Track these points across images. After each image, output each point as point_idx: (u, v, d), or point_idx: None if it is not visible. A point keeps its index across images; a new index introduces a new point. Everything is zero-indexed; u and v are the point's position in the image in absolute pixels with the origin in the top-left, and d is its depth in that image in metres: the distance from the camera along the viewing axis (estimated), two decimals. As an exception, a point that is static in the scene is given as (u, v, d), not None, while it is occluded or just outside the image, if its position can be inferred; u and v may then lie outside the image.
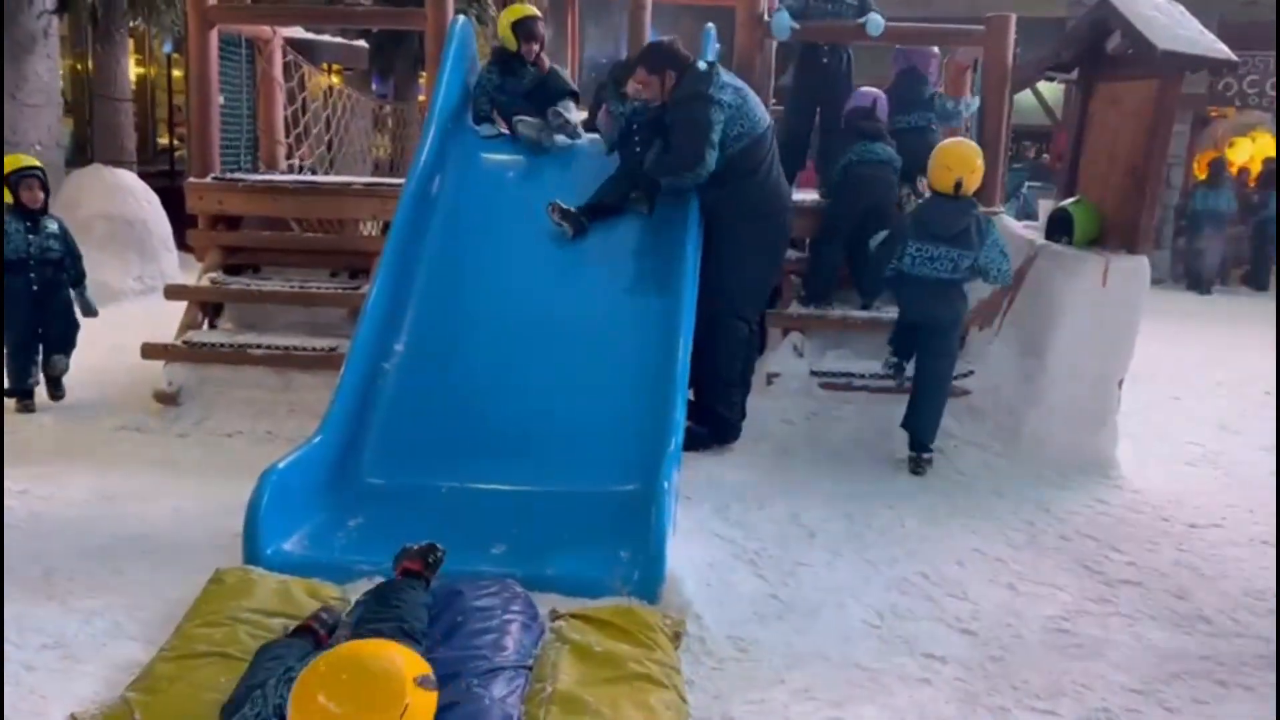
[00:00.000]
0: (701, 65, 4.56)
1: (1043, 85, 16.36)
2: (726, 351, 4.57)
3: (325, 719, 1.87)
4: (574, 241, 4.63)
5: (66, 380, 5.26)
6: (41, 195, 5.09)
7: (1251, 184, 13.75)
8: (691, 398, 4.36)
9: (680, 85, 4.52)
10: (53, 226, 5.15)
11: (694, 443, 4.29)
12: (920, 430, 4.64)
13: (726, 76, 4.60)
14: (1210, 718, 2.76)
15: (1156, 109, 4.65)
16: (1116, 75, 5.13)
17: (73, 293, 5.23)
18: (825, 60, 5.98)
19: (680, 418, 3.81)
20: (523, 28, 5.26)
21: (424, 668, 2.02)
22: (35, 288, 5.05)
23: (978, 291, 5.38)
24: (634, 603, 3.00)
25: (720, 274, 4.51)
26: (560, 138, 5.20)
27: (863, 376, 5.05)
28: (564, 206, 4.67)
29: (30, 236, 5.02)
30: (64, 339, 5.20)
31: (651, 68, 4.56)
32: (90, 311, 5.28)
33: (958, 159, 4.48)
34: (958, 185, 4.44)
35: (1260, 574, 3.75)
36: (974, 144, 4.78)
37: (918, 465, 4.63)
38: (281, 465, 3.36)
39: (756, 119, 4.58)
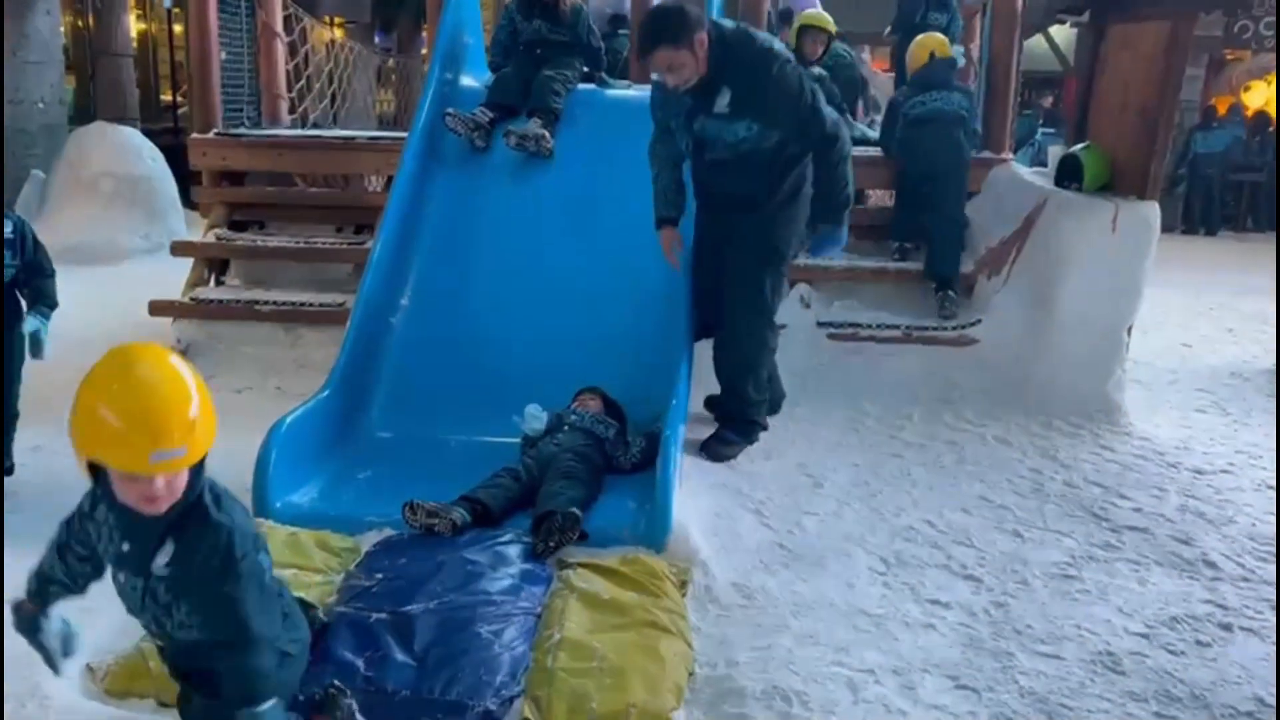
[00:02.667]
0: (729, 23, 3.93)
1: (1055, 30, 16.13)
2: (756, 335, 4.03)
3: (105, 433, 1.65)
4: (580, 189, 4.63)
5: (73, 336, 5.25)
6: None
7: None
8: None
9: (730, 45, 3.65)
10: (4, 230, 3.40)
11: (726, 451, 3.96)
12: (942, 268, 5.19)
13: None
14: (1214, 660, 2.78)
15: (1169, 51, 4.57)
16: (1129, 16, 5.04)
17: (25, 321, 3.57)
18: None
19: (686, 370, 3.82)
20: None
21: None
22: None
23: (986, 239, 5.37)
24: (641, 552, 3.02)
25: (759, 256, 3.93)
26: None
27: (870, 327, 5.04)
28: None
29: None
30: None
31: (676, 40, 3.55)
32: (38, 351, 3.64)
33: (924, 41, 5.66)
34: (931, 55, 5.53)
35: (1266, 519, 3.75)
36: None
37: (945, 304, 5.13)
38: (290, 419, 3.39)
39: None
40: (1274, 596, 3.15)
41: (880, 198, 6.66)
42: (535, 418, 3.65)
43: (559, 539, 3.00)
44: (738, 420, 4.05)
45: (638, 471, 3.51)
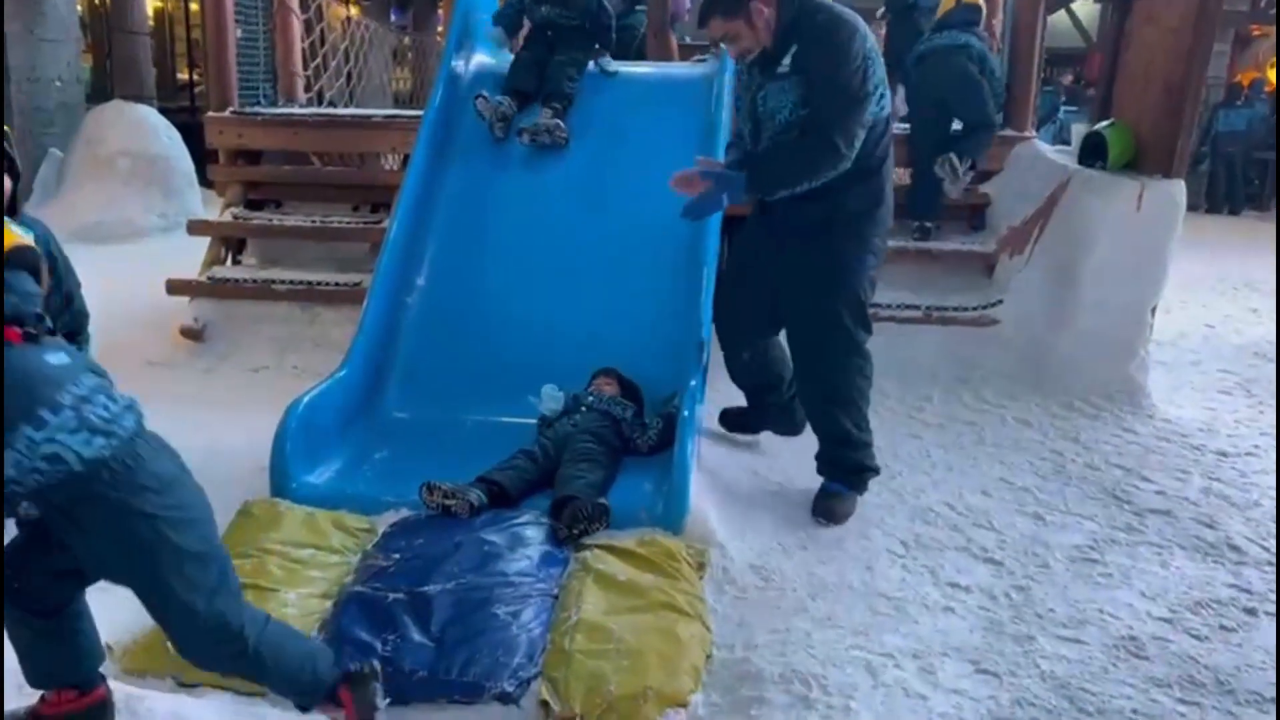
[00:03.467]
0: None
1: (1078, 5, 15.92)
2: (839, 367, 3.39)
3: None
4: (595, 169, 4.57)
5: (92, 315, 5.24)
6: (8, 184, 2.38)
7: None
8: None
9: (810, 14, 3.16)
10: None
11: (839, 508, 3.39)
12: (923, 207, 5.40)
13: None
14: (1239, 645, 2.74)
15: (1197, 24, 4.48)
16: (1155, -9, 4.95)
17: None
18: None
19: (706, 355, 3.78)
20: None
21: None
22: None
23: (1008, 218, 5.30)
24: (658, 533, 3.01)
25: (840, 278, 3.31)
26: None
27: (890, 307, 4.98)
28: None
29: None
30: None
31: (730, 11, 3.17)
32: None
33: None
34: (958, 2, 5.62)
35: (1292, 502, 3.70)
36: None
37: (919, 230, 5.40)
38: (306, 399, 3.38)
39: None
40: (1298, 581, 3.11)
41: (900, 176, 6.59)
42: (552, 398, 3.63)
43: (585, 527, 2.97)
44: (841, 467, 3.44)
45: (655, 454, 3.49)
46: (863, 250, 3.31)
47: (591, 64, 5.06)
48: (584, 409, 3.55)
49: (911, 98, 5.62)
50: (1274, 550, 3.31)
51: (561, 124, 4.72)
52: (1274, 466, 4.06)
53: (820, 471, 3.48)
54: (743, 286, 3.56)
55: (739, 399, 3.88)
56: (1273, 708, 2.48)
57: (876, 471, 3.52)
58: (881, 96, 3.19)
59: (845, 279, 3.30)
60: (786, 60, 3.17)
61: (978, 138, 5.36)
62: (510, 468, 3.24)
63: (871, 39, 3.19)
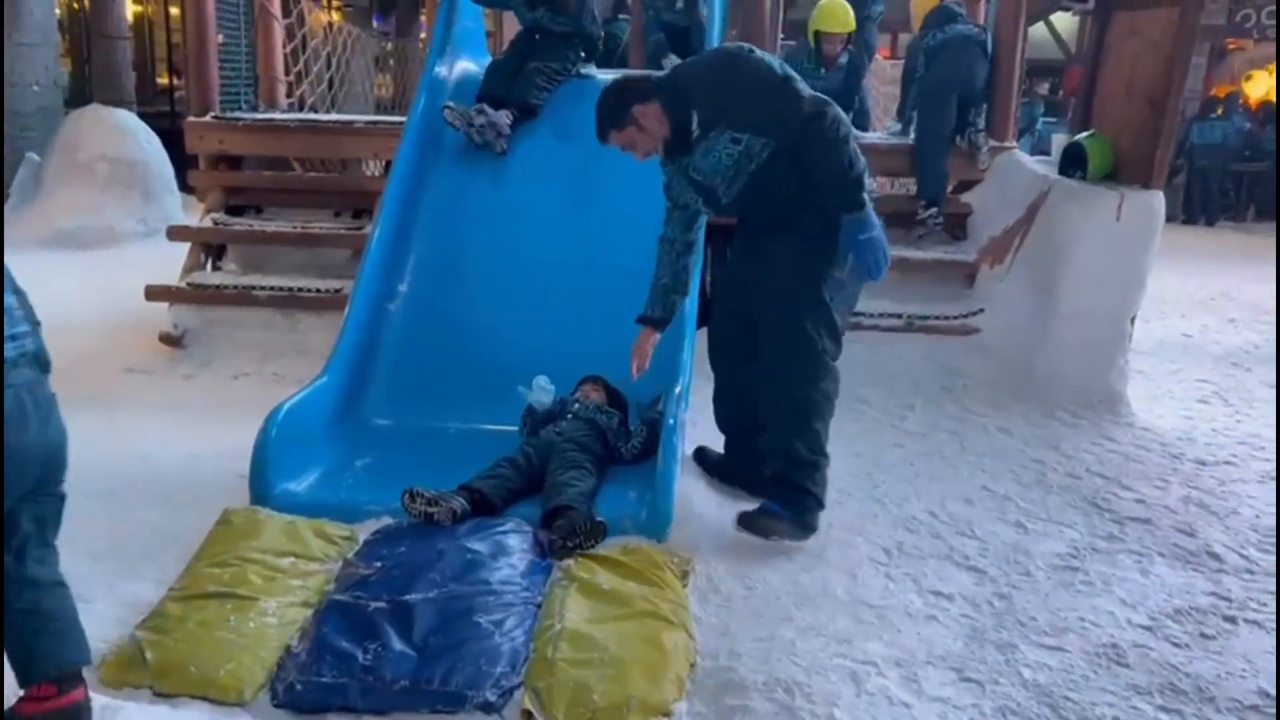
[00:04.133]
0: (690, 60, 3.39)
1: (1056, 17, 16.07)
2: (801, 377, 3.21)
3: None
4: (580, 177, 4.56)
5: (70, 321, 5.15)
6: None
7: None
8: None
9: (679, 75, 3.25)
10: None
11: (769, 526, 3.19)
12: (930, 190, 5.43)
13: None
14: (1219, 653, 2.76)
15: (1177, 37, 4.53)
16: (1135, 4, 5.00)
17: None
18: None
19: (688, 359, 3.78)
20: None
21: None
22: None
23: (989, 228, 5.33)
24: (642, 541, 3.00)
25: (805, 287, 3.18)
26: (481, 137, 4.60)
27: (871, 316, 5.00)
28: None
29: None
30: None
31: (617, 122, 3.18)
32: None
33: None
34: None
35: (1270, 511, 3.73)
36: None
37: (923, 224, 5.38)
38: (287, 405, 3.36)
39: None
40: (1278, 589, 3.13)
41: (882, 185, 6.62)
42: (544, 390, 3.62)
43: (580, 542, 2.93)
44: (784, 485, 3.22)
45: (638, 462, 3.48)
46: (829, 264, 3.18)
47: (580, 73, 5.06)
48: (570, 416, 3.54)
49: (927, 88, 5.57)
50: (1252, 559, 3.33)
51: (505, 129, 4.61)
52: (1251, 475, 4.09)
53: (767, 483, 3.29)
54: (729, 316, 3.47)
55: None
56: (1253, 715, 2.50)
57: (820, 503, 3.25)
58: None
59: (810, 288, 3.18)
60: (695, 126, 3.12)
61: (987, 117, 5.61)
62: (494, 476, 3.22)
63: (756, 51, 3.18)
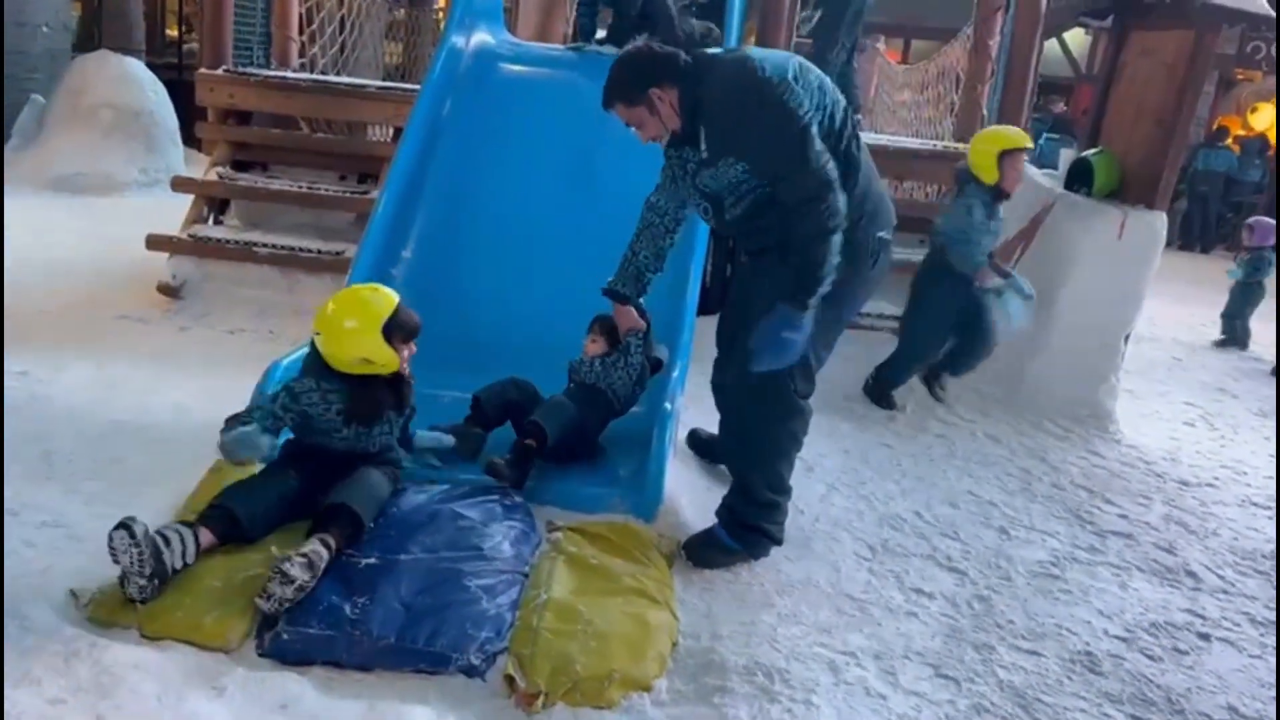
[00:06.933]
0: (709, 54, 2.97)
1: (1069, 36, 16.10)
2: (767, 417, 3.03)
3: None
4: (588, 155, 4.55)
5: (66, 266, 5.10)
6: None
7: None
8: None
9: (703, 78, 2.84)
10: None
11: (714, 559, 3.01)
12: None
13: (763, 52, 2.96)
14: (1191, 668, 2.80)
15: (1192, 60, 4.56)
16: (1152, 24, 5.02)
17: None
18: None
19: (685, 344, 3.79)
20: None
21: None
22: None
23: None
24: (631, 520, 3.02)
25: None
26: None
27: (866, 316, 5.02)
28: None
29: None
30: None
31: (629, 97, 2.90)
32: None
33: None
34: None
35: (1249, 534, 3.78)
36: None
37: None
38: (285, 361, 3.35)
39: (836, 102, 2.87)
40: (1253, 611, 3.18)
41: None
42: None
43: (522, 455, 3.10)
44: (735, 519, 3.05)
45: (630, 403, 3.47)
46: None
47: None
48: (573, 386, 3.49)
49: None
50: (1229, 580, 3.38)
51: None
52: (1233, 499, 4.14)
53: (717, 513, 3.10)
54: (729, 314, 3.26)
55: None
56: (1220, 729, 2.55)
57: (776, 539, 3.09)
58: (821, 108, 2.80)
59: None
60: (703, 146, 2.88)
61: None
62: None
63: (778, 62, 2.82)
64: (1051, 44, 15.88)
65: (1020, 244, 5.09)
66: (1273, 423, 5.27)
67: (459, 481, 3.06)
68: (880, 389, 4.67)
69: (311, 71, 6.62)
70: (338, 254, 5.08)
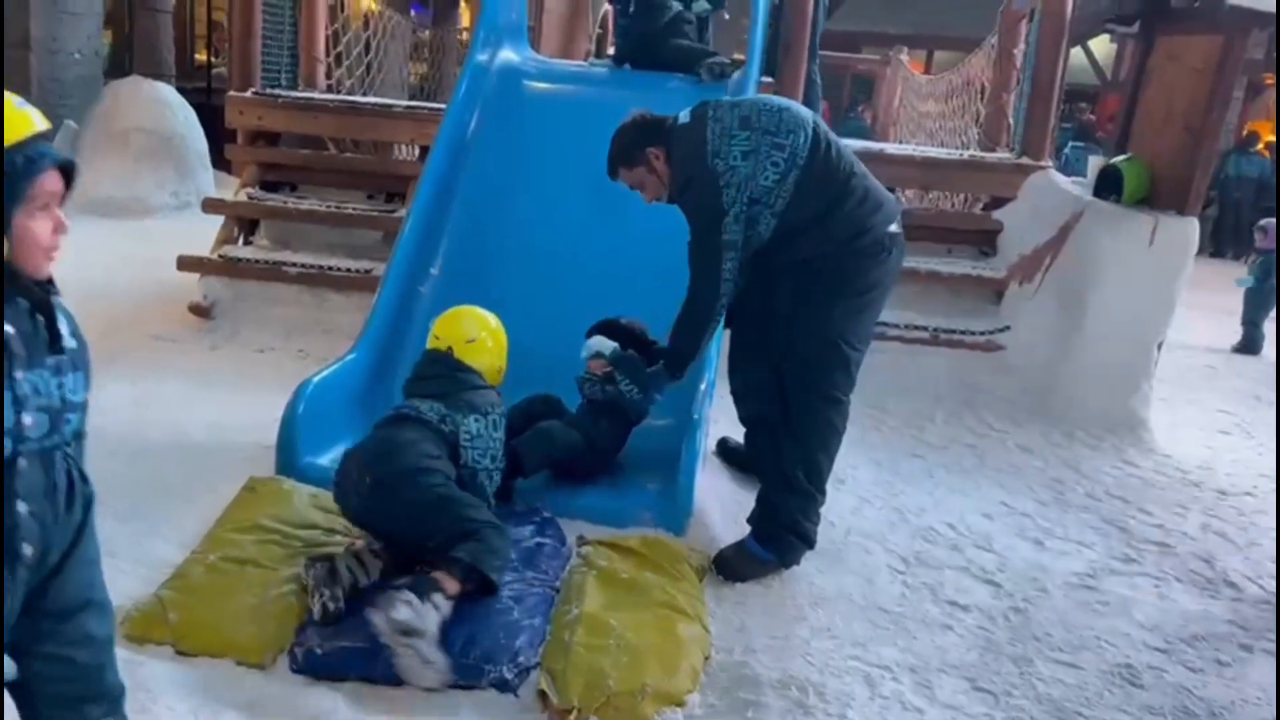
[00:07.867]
0: (684, 117, 3.07)
1: (1094, 43, 16.00)
2: (811, 408, 3.06)
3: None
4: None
5: (100, 288, 5.16)
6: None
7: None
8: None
9: (671, 168, 3.07)
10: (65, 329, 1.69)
11: (747, 571, 3.00)
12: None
13: (725, 109, 3.01)
14: (1233, 679, 2.75)
15: (1221, 65, 4.51)
16: (1179, 29, 4.98)
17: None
18: None
19: (713, 355, 3.78)
20: None
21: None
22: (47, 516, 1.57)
23: (1019, 247, 5.31)
24: (661, 534, 3.01)
25: (817, 320, 3.00)
26: None
27: (895, 327, 4.99)
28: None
29: (51, 362, 1.62)
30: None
31: (628, 161, 3.12)
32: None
33: None
34: None
35: (1290, 544, 3.72)
36: None
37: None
38: (317, 379, 3.38)
39: (793, 136, 2.94)
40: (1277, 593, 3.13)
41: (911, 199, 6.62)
42: (598, 349, 3.47)
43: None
44: (772, 522, 3.05)
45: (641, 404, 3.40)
46: (839, 294, 3.00)
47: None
48: (585, 404, 3.49)
49: None
50: (1270, 590, 3.32)
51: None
52: (1272, 508, 4.07)
53: (749, 520, 3.10)
54: (741, 315, 3.23)
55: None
56: (1266, 743, 2.49)
57: (809, 542, 3.08)
58: (778, 171, 2.91)
59: (819, 333, 2.99)
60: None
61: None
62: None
63: (735, 140, 2.92)
64: (1076, 51, 15.80)
65: (1049, 253, 5.05)
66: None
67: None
68: None
69: (338, 92, 6.69)
70: (366, 272, 5.11)
